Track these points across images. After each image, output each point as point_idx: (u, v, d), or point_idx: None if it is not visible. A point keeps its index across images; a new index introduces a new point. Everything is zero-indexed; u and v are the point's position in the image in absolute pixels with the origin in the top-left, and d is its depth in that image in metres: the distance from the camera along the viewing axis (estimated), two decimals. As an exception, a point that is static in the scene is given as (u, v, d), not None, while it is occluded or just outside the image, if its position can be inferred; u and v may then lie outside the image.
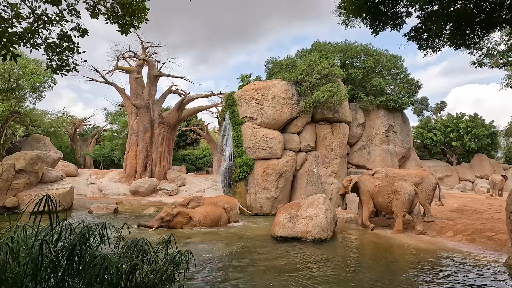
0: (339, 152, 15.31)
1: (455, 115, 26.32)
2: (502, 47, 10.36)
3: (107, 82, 23.97)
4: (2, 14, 3.40)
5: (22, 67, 20.11)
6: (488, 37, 8.83)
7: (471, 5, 5.53)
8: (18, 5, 3.59)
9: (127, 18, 4.95)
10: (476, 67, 9.78)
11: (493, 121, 25.34)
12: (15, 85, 20.83)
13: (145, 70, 25.40)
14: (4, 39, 2.77)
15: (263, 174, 13.90)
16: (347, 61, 18.29)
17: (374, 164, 16.56)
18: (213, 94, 25.98)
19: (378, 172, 11.37)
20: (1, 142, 18.86)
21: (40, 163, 14.27)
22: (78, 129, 37.14)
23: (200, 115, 36.76)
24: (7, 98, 20.53)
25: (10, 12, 3.49)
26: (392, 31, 6.51)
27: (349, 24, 7.57)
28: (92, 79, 23.67)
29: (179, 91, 26.43)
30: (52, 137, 25.79)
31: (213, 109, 28.69)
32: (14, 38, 2.85)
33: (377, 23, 6.45)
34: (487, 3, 5.43)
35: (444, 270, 6.09)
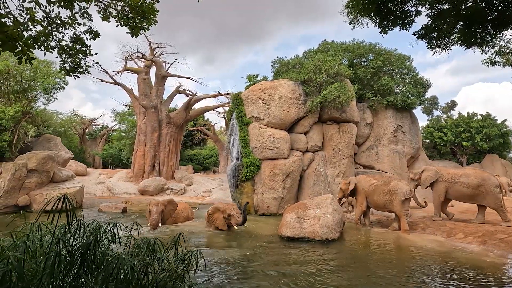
0: (346, 152, 15.21)
1: (466, 115, 25.82)
2: (515, 45, 10.10)
3: (116, 83, 24.32)
4: (19, 18, 3.52)
5: (33, 68, 20.55)
6: (501, 35, 8.63)
7: (483, 3, 5.43)
8: (33, 9, 3.70)
9: (137, 21, 5.02)
10: (487, 65, 9.57)
11: (505, 120, 24.72)
12: (26, 86, 21.30)
13: (153, 71, 25.71)
14: (20, 43, 2.86)
15: (270, 174, 13.90)
16: (354, 61, 18.12)
17: (382, 164, 16.35)
18: (220, 94, 26.10)
19: (427, 169, 10.85)
20: (14, 142, 19.30)
21: (51, 163, 14.56)
22: (87, 129, 37.75)
23: (207, 115, 37.00)
24: (19, 99, 21.01)
25: (25, 16, 3.61)
26: (401, 30, 6.43)
27: (357, 24, 7.48)
28: (101, 80, 24.07)
29: (186, 91, 26.66)
30: (62, 137, 26.27)
31: (220, 109, 28.87)
32: (29, 42, 2.94)
33: (385, 22, 6.36)
34: (499, 1, 5.33)
35: (451, 271, 6.01)
